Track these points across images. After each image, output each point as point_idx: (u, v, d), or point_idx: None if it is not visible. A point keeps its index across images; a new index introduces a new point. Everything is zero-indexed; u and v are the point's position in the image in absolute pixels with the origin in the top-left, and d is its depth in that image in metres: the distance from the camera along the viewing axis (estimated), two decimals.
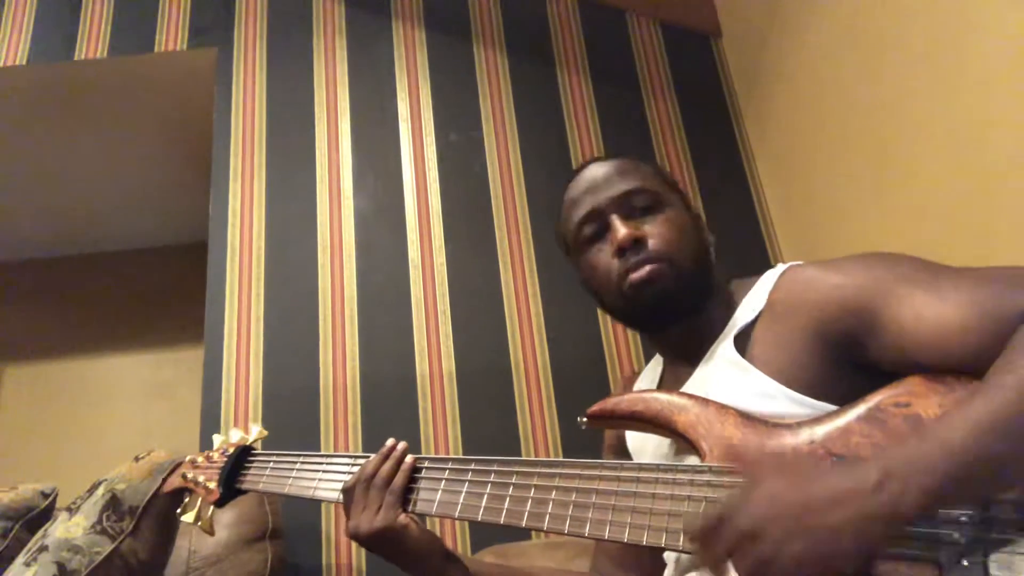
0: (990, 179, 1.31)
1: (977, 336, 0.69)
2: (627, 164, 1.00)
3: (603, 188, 0.97)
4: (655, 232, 0.92)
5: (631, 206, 0.95)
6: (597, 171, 0.99)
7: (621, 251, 0.92)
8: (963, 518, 0.58)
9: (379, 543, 0.89)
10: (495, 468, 0.86)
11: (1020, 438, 0.58)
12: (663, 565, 0.92)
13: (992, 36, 1.28)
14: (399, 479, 0.91)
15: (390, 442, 0.95)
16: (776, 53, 2.03)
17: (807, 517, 0.57)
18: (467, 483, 0.87)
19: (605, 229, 0.95)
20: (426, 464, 0.93)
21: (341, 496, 0.94)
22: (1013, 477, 0.58)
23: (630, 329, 1.04)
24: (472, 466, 0.88)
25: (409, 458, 0.94)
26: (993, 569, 0.56)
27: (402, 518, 0.89)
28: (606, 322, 1.91)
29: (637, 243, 0.92)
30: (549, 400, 1.82)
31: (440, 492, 0.89)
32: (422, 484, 0.92)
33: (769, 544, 0.57)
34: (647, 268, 0.90)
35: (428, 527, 1.64)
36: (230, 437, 1.19)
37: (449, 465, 0.91)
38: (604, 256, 0.95)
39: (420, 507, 0.90)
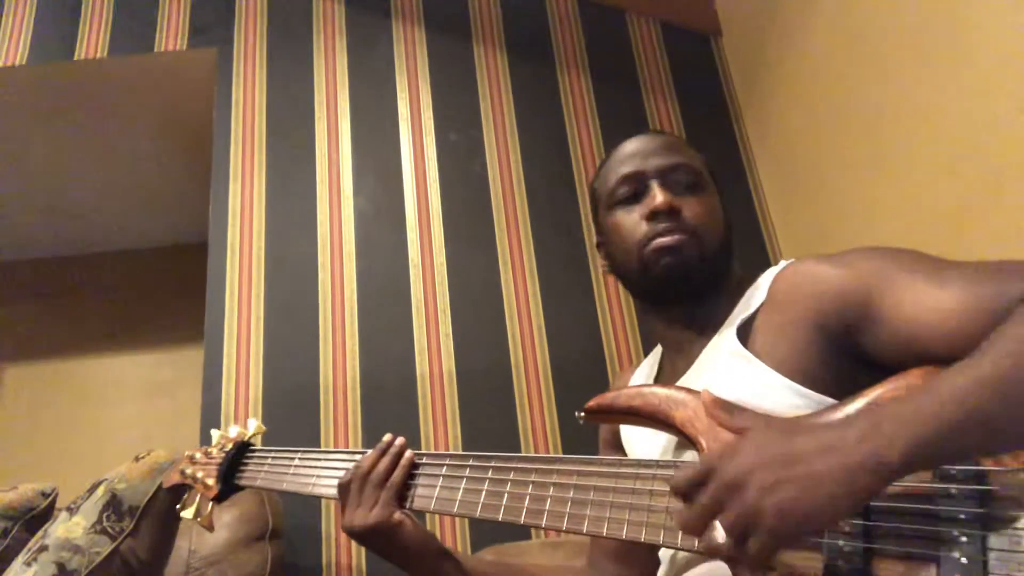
0: (989, 177, 1.31)
1: (976, 327, 0.68)
2: (677, 142, 1.03)
3: (650, 156, 0.98)
4: (691, 208, 0.94)
5: (674, 179, 0.96)
6: (647, 141, 1.01)
7: (654, 215, 0.93)
8: (962, 515, 0.58)
9: (373, 539, 0.89)
10: (493, 464, 0.86)
11: (1009, 397, 0.56)
12: (659, 561, 0.92)
13: (991, 35, 1.28)
14: (397, 475, 0.91)
15: (387, 437, 0.95)
16: (776, 53, 2.03)
17: (791, 466, 0.56)
18: (465, 479, 0.87)
19: (643, 192, 0.97)
20: (424, 460, 0.93)
21: (336, 494, 0.94)
22: (1002, 439, 0.57)
23: (637, 300, 1.06)
24: (470, 462, 0.88)
25: (408, 453, 0.93)
26: (992, 566, 0.56)
27: (396, 515, 0.89)
28: (606, 321, 1.91)
29: (672, 212, 0.93)
30: (549, 399, 1.82)
31: (438, 488, 0.89)
32: (420, 480, 0.92)
33: (752, 493, 0.56)
34: (676, 236, 0.92)
35: (429, 525, 1.66)
36: (228, 433, 1.18)
37: (447, 461, 0.91)
38: (633, 217, 0.96)
39: (418, 503, 0.90)
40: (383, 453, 0.93)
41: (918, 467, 0.57)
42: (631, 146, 1.02)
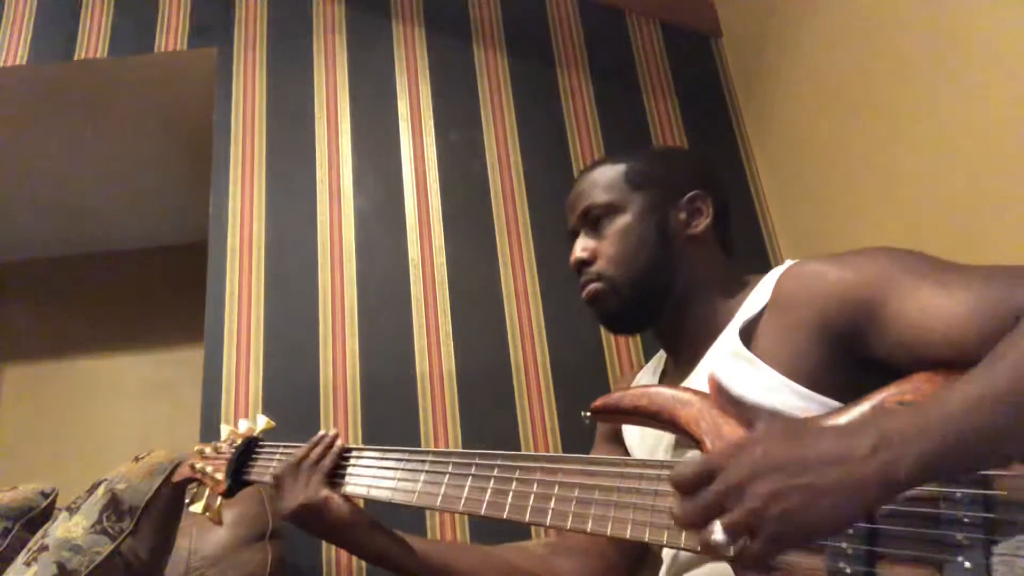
0: (989, 177, 1.31)
1: (980, 333, 0.68)
2: (593, 176, 1.06)
3: (573, 206, 1.05)
4: (603, 250, 1.00)
5: (590, 223, 1.03)
6: (576, 186, 1.07)
7: (576, 270, 1.02)
8: (966, 519, 0.58)
9: (302, 518, 0.94)
10: (498, 463, 0.86)
11: (1017, 410, 0.57)
12: (637, 558, 0.93)
13: (990, 35, 1.28)
14: (327, 460, 0.97)
15: (322, 432, 1.01)
16: (776, 53, 2.03)
17: (798, 475, 0.56)
18: (471, 477, 0.87)
19: None
20: (429, 458, 0.94)
21: (272, 482, 0.99)
22: (1011, 452, 0.57)
23: None
24: (476, 460, 0.89)
25: (338, 443, 1.00)
26: (996, 572, 0.56)
27: (323, 492, 0.93)
28: None
29: (583, 264, 1.01)
30: (549, 400, 1.82)
31: (443, 487, 0.90)
32: (424, 477, 0.93)
33: (755, 499, 0.56)
34: (591, 288, 1.00)
35: (430, 524, 1.66)
36: (238, 428, 1.19)
37: (452, 459, 0.92)
38: None
39: (421, 499, 0.91)
40: (316, 445, 1.00)
41: (925, 481, 0.57)
42: (570, 196, 1.08)
